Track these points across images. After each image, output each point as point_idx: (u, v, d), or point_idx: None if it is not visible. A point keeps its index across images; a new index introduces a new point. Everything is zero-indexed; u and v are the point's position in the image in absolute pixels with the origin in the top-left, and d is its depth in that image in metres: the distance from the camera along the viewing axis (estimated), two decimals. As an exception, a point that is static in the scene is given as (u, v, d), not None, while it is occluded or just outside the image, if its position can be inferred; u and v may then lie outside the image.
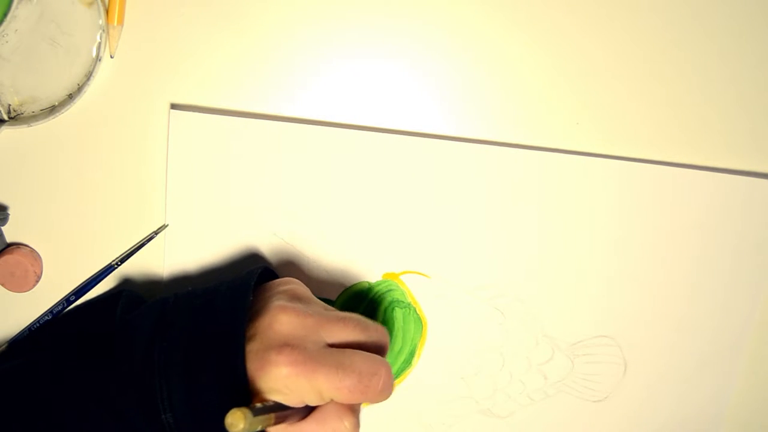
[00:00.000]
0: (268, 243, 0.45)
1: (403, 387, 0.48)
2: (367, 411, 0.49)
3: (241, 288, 0.38)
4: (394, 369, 0.48)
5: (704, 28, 0.43)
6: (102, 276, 0.45)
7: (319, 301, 0.39)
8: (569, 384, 0.48)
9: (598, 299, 0.47)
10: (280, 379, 0.34)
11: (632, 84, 0.44)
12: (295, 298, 0.38)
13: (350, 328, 0.37)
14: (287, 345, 0.34)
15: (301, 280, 0.40)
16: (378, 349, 0.38)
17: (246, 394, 0.34)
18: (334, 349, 0.36)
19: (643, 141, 0.44)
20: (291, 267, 0.46)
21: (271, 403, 0.34)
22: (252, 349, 0.35)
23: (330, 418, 0.35)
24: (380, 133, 0.44)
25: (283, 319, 0.35)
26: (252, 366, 0.34)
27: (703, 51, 0.43)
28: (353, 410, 0.36)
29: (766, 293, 0.47)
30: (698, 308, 0.47)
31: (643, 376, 0.48)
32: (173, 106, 0.43)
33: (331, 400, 0.35)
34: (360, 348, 0.37)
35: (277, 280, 0.40)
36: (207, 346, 0.35)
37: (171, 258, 0.45)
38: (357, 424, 0.36)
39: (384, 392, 0.35)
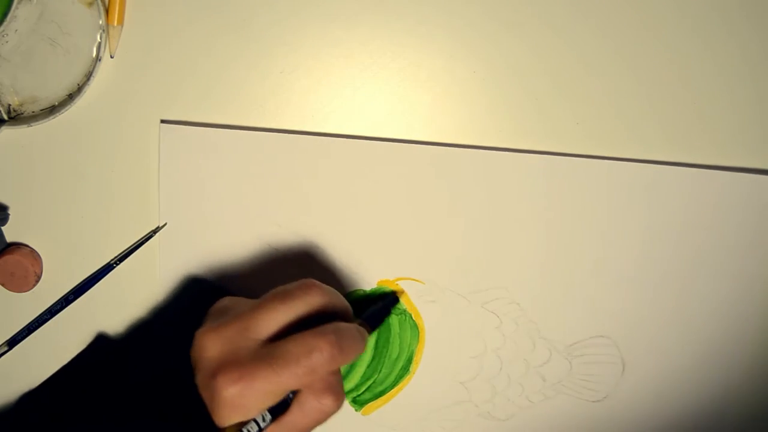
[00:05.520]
0: (262, 253, 0.45)
1: (402, 393, 0.48)
2: (368, 418, 0.48)
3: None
4: (393, 376, 0.47)
5: (704, 27, 0.43)
6: (101, 275, 0.46)
7: (246, 301, 0.38)
8: (568, 385, 0.48)
9: (596, 299, 0.46)
10: (232, 401, 0.33)
11: (632, 84, 0.43)
12: (217, 313, 0.37)
13: (274, 309, 0.35)
14: (221, 366, 0.33)
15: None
16: (326, 305, 0.36)
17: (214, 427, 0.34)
18: (266, 347, 0.34)
19: (642, 141, 0.44)
20: (285, 277, 0.45)
21: (256, 426, 0.34)
22: (199, 384, 0.35)
23: (307, 402, 0.34)
24: (373, 141, 0.44)
25: (205, 344, 0.35)
26: (207, 400, 0.34)
27: (703, 50, 0.43)
28: (328, 386, 0.35)
29: (765, 292, 0.46)
30: (696, 307, 0.46)
31: (642, 375, 0.48)
32: (163, 121, 0.43)
33: None
34: (315, 315, 0.36)
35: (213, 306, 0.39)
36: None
37: (165, 259, 0.46)
38: (337, 397, 0.35)
39: (340, 356, 0.34)
